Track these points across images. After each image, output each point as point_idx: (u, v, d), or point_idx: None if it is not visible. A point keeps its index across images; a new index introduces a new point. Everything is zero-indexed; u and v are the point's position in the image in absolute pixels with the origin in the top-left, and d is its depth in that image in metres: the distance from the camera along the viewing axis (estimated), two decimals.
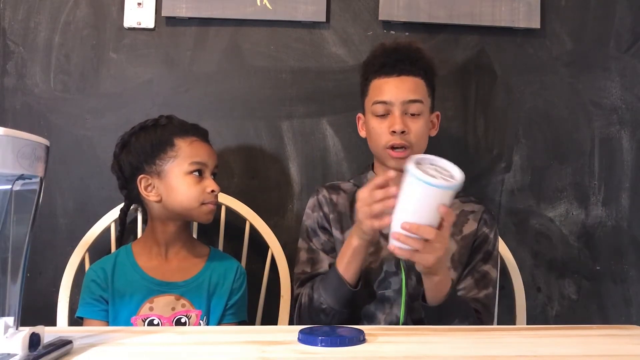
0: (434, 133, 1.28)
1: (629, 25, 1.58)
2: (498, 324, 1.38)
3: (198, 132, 1.25)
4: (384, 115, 1.19)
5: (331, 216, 1.22)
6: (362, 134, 1.29)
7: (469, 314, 1.10)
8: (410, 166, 0.90)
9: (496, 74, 1.56)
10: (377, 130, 1.20)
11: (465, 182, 1.54)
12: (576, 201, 1.57)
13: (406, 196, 0.92)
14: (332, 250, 1.21)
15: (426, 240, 0.92)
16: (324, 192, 1.26)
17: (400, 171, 1.21)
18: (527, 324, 1.40)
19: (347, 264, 1.06)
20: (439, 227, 0.93)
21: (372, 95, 1.22)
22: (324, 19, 1.51)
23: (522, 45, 1.56)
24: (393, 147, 1.18)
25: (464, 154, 1.55)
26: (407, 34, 1.54)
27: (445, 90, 1.55)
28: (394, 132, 1.17)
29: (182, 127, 1.24)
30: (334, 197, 1.24)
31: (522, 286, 1.40)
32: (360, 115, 1.30)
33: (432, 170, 0.92)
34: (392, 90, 1.19)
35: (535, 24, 1.53)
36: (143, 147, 1.21)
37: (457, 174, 0.93)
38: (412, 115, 1.19)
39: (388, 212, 0.95)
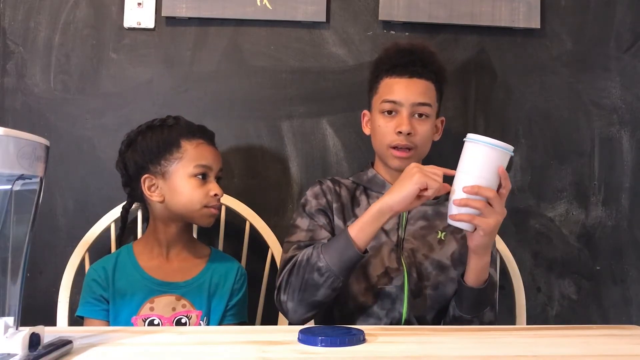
0: (437, 138, 1.28)
1: (629, 25, 1.58)
2: (498, 324, 1.38)
3: (205, 135, 1.25)
4: (391, 115, 1.20)
5: (335, 205, 1.21)
6: (366, 131, 1.30)
7: (494, 306, 1.13)
8: (469, 135, 1.01)
9: (496, 74, 1.56)
10: (383, 129, 1.20)
11: None
12: (576, 201, 1.57)
13: (467, 162, 1.00)
14: (330, 234, 1.18)
15: (488, 204, 0.98)
16: (328, 182, 1.25)
17: (401, 172, 1.22)
18: (527, 324, 1.40)
19: (362, 226, 1.03)
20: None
21: (381, 93, 1.22)
22: (324, 19, 1.51)
23: (522, 45, 1.56)
24: (396, 147, 1.19)
25: None
26: (407, 34, 1.54)
27: (446, 90, 1.54)
28: (400, 132, 1.17)
29: (189, 129, 1.24)
30: (337, 188, 1.24)
31: (522, 286, 1.40)
32: (365, 112, 1.30)
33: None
34: (402, 90, 1.19)
35: (535, 24, 1.53)
36: (149, 147, 1.21)
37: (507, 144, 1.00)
38: (420, 117, 1.20)
39: (435, 183, 1.00)
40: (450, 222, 1.02)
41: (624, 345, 0.87)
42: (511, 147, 1.00)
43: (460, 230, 1.22)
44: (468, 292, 1.08)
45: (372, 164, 1.31)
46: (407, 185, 1.00)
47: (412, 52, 1.23)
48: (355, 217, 1.21)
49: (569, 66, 1.57)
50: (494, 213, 0.99)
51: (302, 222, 1.19)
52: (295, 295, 1.06)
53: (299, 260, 1.08)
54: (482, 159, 0.99)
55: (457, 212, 1.00)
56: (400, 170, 1.22)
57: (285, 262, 1.12)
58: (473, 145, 1.00)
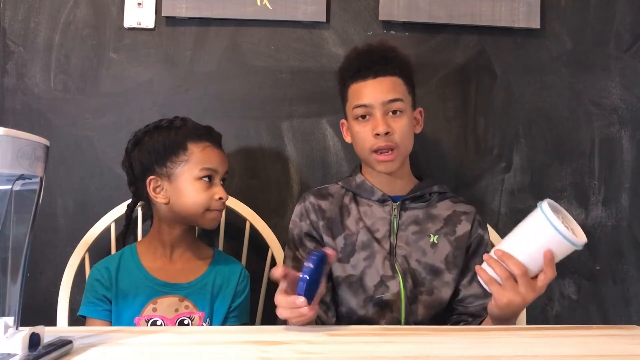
0: (418, 130, 1.26)
1: (629, 25, 1.58)
2: None
3: (211, 137, 1.25)
4: (365, 119, 1.19)
5: (320, 223, 1.21)
6: (348, 139, 1.28)
7: None
8: (545, 205, 0.89)
9: (496, 74, 1.56)
10: (361, 135, 1.19)
11: (465, 182, 1.56)
12: (576, 201, 1.57)
13: (522, 229, 0.91)
14: None
15: (514, 280, 0.90)
16: (311, 198, 1.24)
17: (389, 174, 1.21)
18: (527, 324, 1.40)
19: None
20: (534, 278, 0.92)
21: (351, 100, 1.21)
22: (324, 19, 1.51)
23: (522, 45, 1.56)
24: (378, 151, 1.17)
25: (464, 154, 1.55)
26: (407, 34, 1.54)
27: (446, 90, 1.55)
28: (377, 134, 1.16)
29: (196, 132, 1.23)
30: (322, 203, 1.23)
31: None
32: (343, 121, 1.29)
33: (559, 218, 0.89)
34: (370, 92, 1.18)
35: (535, 24, 1.53)
36: (155, 148, 1.21)
37: (579, 233, 0.90)
38: (394, 114, 1.18)
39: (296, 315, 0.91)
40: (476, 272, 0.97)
41: (624, 345, 0.87)
42: (581, 242, 0.87)
43: (453, 232, 1.22)
44: None
45: (360, 167, 1.29)
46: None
47: (371, 52, 1.21)
48: (346, 229, 1.20)
49: (569, 66, 1.57)
50: (514, 291, 0.90)
51: (289, 253, 1.23)
52: None
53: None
54: (533, 235, 0.89)
55: (482, 266, 0.94)
56: (387, 174, 1.21)
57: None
58: (539, 216, 0.88)
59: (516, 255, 0.90)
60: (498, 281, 0.92)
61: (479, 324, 1.08)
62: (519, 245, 0.90)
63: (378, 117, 1.17)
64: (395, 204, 1.21)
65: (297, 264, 1.19)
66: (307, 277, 0.88)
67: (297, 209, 1.25)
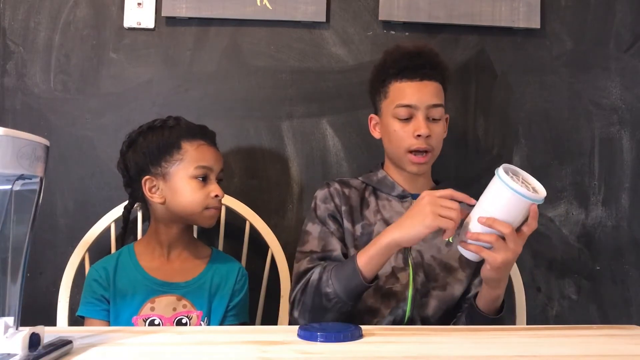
0: (444, 135, 1.28)
1: (629, 25, 1.58)
2: None
3: (205, 136, 1.25)
4: (407, 119, 1.20)
5: (343, 208, 1.22)
6: (376, 135, 1.29)
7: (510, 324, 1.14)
8: (502, 173, 0.93)
9: (496, 74, 1.56)
10: (400, 134, 1.20)
11: (465, 182, 1.56)
12: (576, 201, 1.57)
13: (490, 199, 0.95)
14: (341, 241, 1.20)
15: (502, 239, 0.95)
16: (336, 185, 1.25)
17: (418, 175, 1.22)
18: (527, 324, 1.40)
19: (370, 259, 1.03)
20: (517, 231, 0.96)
21: (393, 98, 1.22)
22: (324, 19, 1.51)
23: (522, 45, 1.56)
24: (414, 152, 1.19)
25: (464, 154, 1.55)
26: (407, 34, 1.54)
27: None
28: (419, 135, 1.18)
29: (190, 130, 1.23)
30: (346, 190, 1.25)
31: (522, 286, 1.40)
32: (373, 116, 1.30)
33: (517, 180, 0.94)
34: (416, 94, 1.20)
35: (535, 24, 1.53)
36: (149, 148, 1.21)
37: (540, 189, 0.95)
38: (434, 119, 1.21)
39: (450, 223, 0.96)
40: (459, 248, 0.99)
41: (624, 345, 0.87)
42: (540, 197, 0.93)
43: None
44: (480, 318, 1.08)
45: (382, 164, 1.31)
46: (417, 227, 0.99)
47: (420, 54, 1.23)
48: (365, 219, 1.22)
49: (569, 66, 1.57)
50: (504, 249, 0.95)
51: (314, 229, 1.20)
52: (306, 315, 1.09)
53: (310, 280, 1.10)
54: (504, 204, 0.93)
55: (468, 241, 0.97)
56: (417, 175, 1.23)
57: (298, 277, 1.14)
58: (500, 184, 0.93)
59: (497, 217, 0.94)
60: (486, 247, 0.96)
61: (475, 299, 1.10)
62: (497, 213, 0.94)
63: (421, 119, 1.19)
64: (414, 200, 1.22)
65: (324, 236, 1.18)
66: (318, 336, 0.83)
67: (321, 193, 1.25)
